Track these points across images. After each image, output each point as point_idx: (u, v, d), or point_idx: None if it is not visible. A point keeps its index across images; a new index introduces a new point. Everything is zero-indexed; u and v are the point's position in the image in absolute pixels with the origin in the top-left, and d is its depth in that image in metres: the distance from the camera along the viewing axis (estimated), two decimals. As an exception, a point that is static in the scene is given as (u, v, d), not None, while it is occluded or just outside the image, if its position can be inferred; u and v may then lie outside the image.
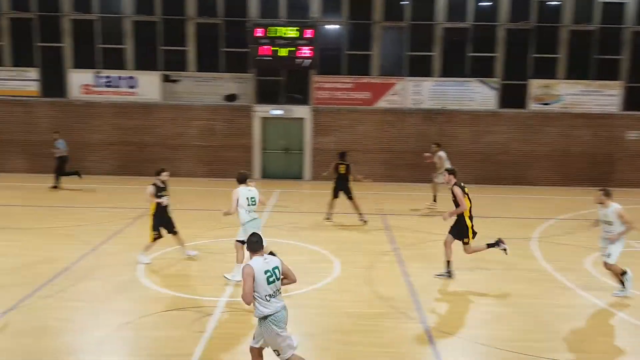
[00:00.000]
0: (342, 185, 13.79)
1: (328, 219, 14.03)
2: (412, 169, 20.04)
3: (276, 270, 5.76)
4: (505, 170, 20.27)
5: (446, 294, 9.36)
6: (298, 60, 19.14)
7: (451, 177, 9.70)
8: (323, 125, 20.14)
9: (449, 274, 9.88)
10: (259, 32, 18.98)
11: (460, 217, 9.59)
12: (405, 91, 20.01)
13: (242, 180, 9.55)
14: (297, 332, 7.61)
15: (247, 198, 9.37)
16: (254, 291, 5.58)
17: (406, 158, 20.02)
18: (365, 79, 19.99)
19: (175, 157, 20.03)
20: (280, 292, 5.84)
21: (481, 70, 20.05)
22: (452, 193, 9.58)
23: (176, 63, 19.90)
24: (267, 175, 20.29)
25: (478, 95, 20.10)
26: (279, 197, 16.79)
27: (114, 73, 19.74)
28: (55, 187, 17.23)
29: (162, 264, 10.45)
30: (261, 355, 6.03)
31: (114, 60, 19.78)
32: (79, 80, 19.74)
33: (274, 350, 5.87)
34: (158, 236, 10.31)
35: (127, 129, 19.95)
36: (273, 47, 19.00)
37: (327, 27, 20.12)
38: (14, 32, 19.63)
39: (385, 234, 13.00)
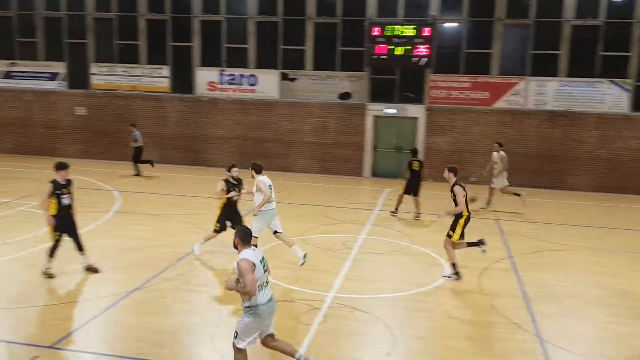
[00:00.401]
0: (413, 182, 14.07)
1: (394, 213, 14.19)
2: (531, 173, 19.09)
3: (264, 261, 5.94)
4: (636, 179, 18.64)
5: (563, 306, 8.81)
6: (414, 58, 18.92)
7: (451, 174, 9.51)
8: (437, 125, 19.74)
9: (457, 276, 9.62)
10: (375, 31, 19.00)
11: (458, 216, 9.46)
12: (526, 91, 19.07)
13: (260, 170, 9.81)
14: (403, 334, 7.55)
15: (269, 186, 9.72)
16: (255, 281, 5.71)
17: (525, 162, 19.10)
18: (483, 78, 19.30)
19: (290, 153, 20.64)
20: (268, 283, 6.01)
21: (613, 70, 18.59)
22: (452, 192, 9.42)
23: (294, 62, 20.48)
24: (377, 173, 20.28)
25: (609, 97, 18.66)
26: (387, 196, 16.70)
27: (236, 71, 20.71)
28: (137, 174, 18.55)
29: (274, 256, 10.80)
30: (274, 339, 6.21)
31: (237, 59, 20.74)
32: (205, 78, 20.94)
33: (270, 335, 6.14)
34: (220, 229, 10.53)
35: (247, 125, 20.85)
36: (389, 45, 18.93)
37: (446, 25, 19.67)
38: (149, 32, 21.23)
39: (499, 240, 12.49)
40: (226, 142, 21.05)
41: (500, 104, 19.29)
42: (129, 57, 21.33)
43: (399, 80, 20.00)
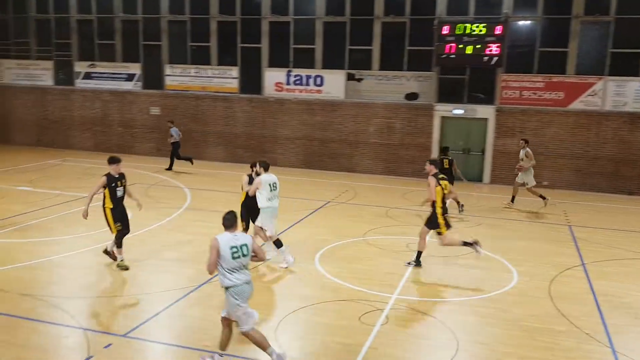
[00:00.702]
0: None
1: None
2: (608, 177, 18.19)
3: (244, 247, 6.18)
4: None
5: (638, 318, 8.35)
6: (485, 58, 18.44)
7: (432, 167, 9.98)
8: (507, 127, 19.15)
9: (417, 264, 10.11)
10: (445, 30, 18.67)
11: (433, 208, 9.86)
12: (604, 92, 18.17)
13: (267, 167, 10.03)
14: (467, 340, 7.40)
15: (270, 184, 9.85)
16: (219, 263, 6.08)
17: (603, 165, 18.22)
18: (558, 78, 18.55)
19: (355, 154, 20.63)
20: (246, 268, 6.25)
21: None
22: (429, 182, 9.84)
23: (361, 62, 20.44)
24: (444, 175, 19.89)
25: (696, 97, 17.49)
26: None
27: (303, 72, 20.92)
28: (169, 169, 19.47)
29: (340, 255, 10.85)
30: (229, 326, 6.39)
31: (304, 60, 20.95)
32: (272, 79, 21.28)
33: (233, 321, 6.28)
34: (246, 228, 10.49)
35: (312, 125, 21.02)
36: (459, 44, 18.55)
37: (519, 23, 19.05)
38: (220, 34, 21.80)
39: (572, 246, 11.98)
40: (292, 142, 21.32)
41: (576, 105, 18.47)
42: (200, 58, 21.99)
43: (468, 80, 19.56)
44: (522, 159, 15.15)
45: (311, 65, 20.87)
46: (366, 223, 13.31)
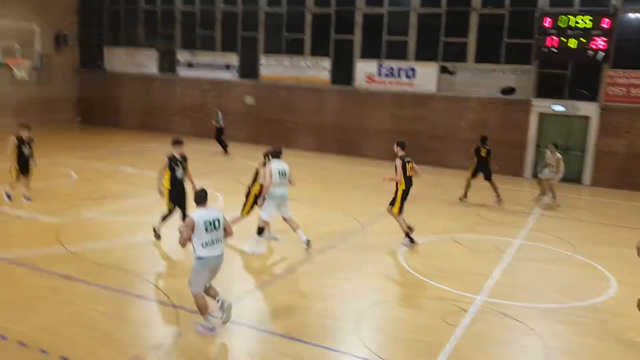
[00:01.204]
0: (482, 167, 14.59)
1: (462, 199, 14.72)
2: None
3: (216, 222, 6.80)
4: None
5: None
6: (590, 52, 17.37)
7: (399, 149, 10.69)
8: (612, 126, 17.95)
9: (412, 242, 10.59)
10: (547, 22, 17.76)
11: (396, 188, 10.56)
12: None
13: (276, 155, 10.12)
14: (557, 349, 7.06)
15: (279, 172, 9.93)
16: (194, 238, 6.68)
17: None
18: (673, 75, 17.13)
19: (445, 148, 20.19)
20: (220, 242, 6.88)
21: None
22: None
23: (455, 54, 19.93)
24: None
25: None
26: (549, 200, 15.60)
27: (395, 64, 20.71)
28: (225, 152, 20.43)
29: (426, 251, 10.70)
30: (206, 296, 7.01)
31: (396, 52, 20.72)
32: (364, 70, 21.25)
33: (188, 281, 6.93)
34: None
35: (402, 118, 20.78)
36: (562, 37, 17.59)
37: (629, 15, 17.74)
38: (314, 25, 22.04)
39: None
40: (380, 134, 21.19)
41: (692, 104, 16.99)
42: (294, 49, 22.36)
43: (570, 76, 18.52)
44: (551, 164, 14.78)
45: (403, 58, 20.61)
46: (454, 220, 13.02)
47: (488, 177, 14.69)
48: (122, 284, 8.42)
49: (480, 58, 19.53)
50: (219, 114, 20.90)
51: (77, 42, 26.55)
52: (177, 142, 10.01)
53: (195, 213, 6.82)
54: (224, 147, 20.63)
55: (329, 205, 13.87)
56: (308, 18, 21.95)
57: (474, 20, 19.45)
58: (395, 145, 10.75)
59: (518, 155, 19.20)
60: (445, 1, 19.75)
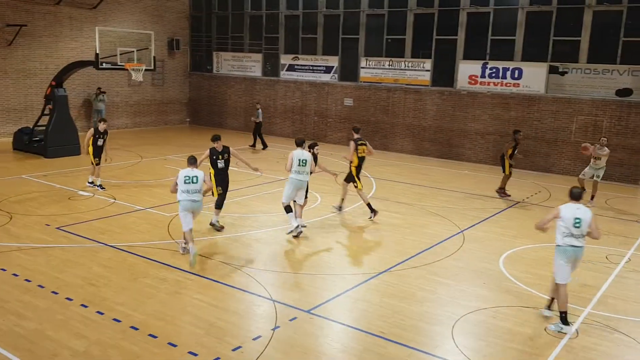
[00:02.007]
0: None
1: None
2: None
3: (194, 178, 9.28)
4: None
5: None
6: None
7: (354, 132, 12.79)
8: None
9: (339, 209, 12.68)
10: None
11: (350, 166, 12.44)
12: None
13: (299, 144, 11.00)
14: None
15: (299, 160, 10.81)
16: (177, 186, 9.29)
17: None
18: None
19: (552, 152, 19.20)
20: (195, 192, 9.25)
21: None
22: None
23: (566, 54, 18.89)
24: (659, 183, 17.55)
25: None
26: (671, 210, 14.40)
27: (500, 64, 19.99)
28: (264, 147, 21.49)
29: (527, 259, 10.29)
30: (190, 239, 9.30)
31: (502, 52, 20.00)
32: (467, 71, 20.71)
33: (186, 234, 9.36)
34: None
35: (505, 120, 20.02)
36: (689, 34, 16.16)
37: None
38: (416, 26, 21.81)
39: None
40: (482, 137, 20.57)
41: None
42: (395, 50, 22.26)
43: (698, 75, 16.94)
44: (599, 158, 14.47)
45: (509, 58, 19.85)
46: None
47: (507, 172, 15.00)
48: (225, 276, 8.85)
49: (593, 58, 18.37)
50: (259, 110, 21.91)
51: (188, 47, 28.15)
52: (215, 138, 10.94)
53: (183, 170, 9.36)
54: (263, 142, 21.71)
55: (427, 208, 13.68)
56: (410, 19, 21.76)
57: (587, 17, 18.34)
58: (353, 131, 12.87)
59: (635, 162, 17.85)
60: (557, -2, 18.81)
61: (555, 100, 19.04)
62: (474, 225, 12.33)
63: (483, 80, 20.34)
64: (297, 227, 10.83)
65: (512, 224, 12.63)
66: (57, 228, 10.81)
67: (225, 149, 10.99)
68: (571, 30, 18.68)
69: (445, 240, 11.20)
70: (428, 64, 21.49)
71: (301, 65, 24.71)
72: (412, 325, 7.44)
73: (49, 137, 17.77)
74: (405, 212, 13.26)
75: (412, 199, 14.60)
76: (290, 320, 7.41)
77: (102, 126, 13.76)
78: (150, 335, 6.84)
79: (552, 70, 19.03)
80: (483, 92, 20.40)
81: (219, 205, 11.10)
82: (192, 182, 9.19)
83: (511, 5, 19.72)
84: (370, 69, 22.84)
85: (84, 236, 10.41)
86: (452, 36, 20.90)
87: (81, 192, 13.51)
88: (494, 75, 20.09)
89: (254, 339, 6.89)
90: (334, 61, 23.78)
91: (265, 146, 21.74)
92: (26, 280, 8.34)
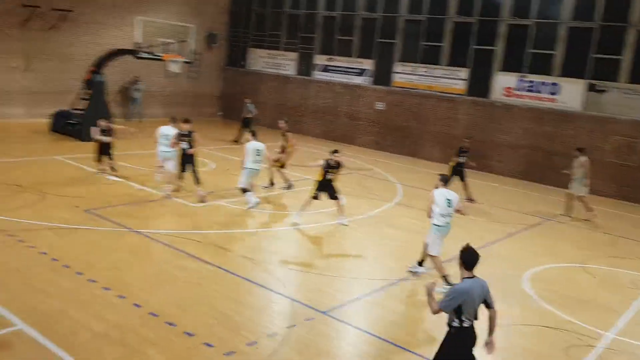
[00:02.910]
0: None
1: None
2: None
3: (449, 201, 9.01)
4: None
5: None
6: None
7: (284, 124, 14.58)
8: None
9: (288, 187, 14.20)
10: None
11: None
12: None
13: (254, 135, 12.60)
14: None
15: (256, 150, 12.07)
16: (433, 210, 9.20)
17: None
18: None
19: (584, 171, 18.82)
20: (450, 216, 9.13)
21: None
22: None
23: (606, 72, 18.50)
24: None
25: None
26: None
27: (537, 78, 19.70)
28: (236, 141, 20.52)
29: (552, 278, 10.11)
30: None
31: (540, 66, 19.69)
32: (503, 83, 20.45)
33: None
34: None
35: (539, 135, 19.71)
36: None
37: None
38: (454, 34, 21.62)
39: None
40: (513, 150, 20.28)
41: None
42: (431, 58, 22.11)
43: None
44: (573, 168, 14.50)
45: (547, 72, 19.54)
46: (588, 249, 12.13)
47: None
48: (245, 270, 8.92)
49: (635, 77, 17.96)
50: (250, 104, 21.82)
51: (226, 42, 28.42)
52: (335, 151, 11.75)
53: (437, 191, 9.08)
54: (250, 131, 20.34)
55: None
56: (448, 27, 21.59)
57: (631, 36, 17.94)
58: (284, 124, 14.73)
59: (670, 186, 17.39)
60: (600, 15, 18.44)
61: (592, 118, 18.67)
62: (498, 240, 12.17)
63: (519, 93, 20.06)
64: (256, 202, 12.19)
65: (538, 241, 12.43)
66: (86, 210, 11.03)
67: (338, 164, 11.71)
68: (613, 48, 18.29)
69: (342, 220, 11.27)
70: (464, 73, 21.29)
71: (335, 66, 24.73)
72: (429, 336, 7.38)
73: (85, 121, 18.15)
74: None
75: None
76: (307, 320, 7.42)
77: (185, 126, 12.52)
78: (167, 322, 6.93)
79: (590, 87, 18.67)
80: (518, 105, 20.12)
81: (304, 207, 11.80)
82: (448, 206, 9.03)
83: (553, 19, 19.41)
84: (405, 75, 22.73)
85: (111, 219, 10.60)
86: (491, 47, 20.67)
87: (110, 177, 13.76)
88: (530, 88, 19.80)
89: (269, 335, 6.93)
90: (368, 64, 23.73)
91: (237, 140, 20.75)
92: (53, 259, 8.53)
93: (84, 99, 19.05)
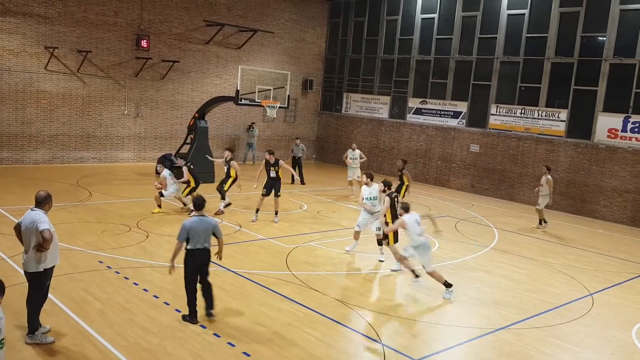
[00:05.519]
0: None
1: None
2: None
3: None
4: None
5: None
6: None
7: (271, 156, 14.66)
8: None
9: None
10: None
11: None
12: None
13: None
14: None
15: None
16: None
17: None
18: None
19: None
20: None
21: None
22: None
23: None
24: None
25: None
26: None
27: (645, 118, 18.56)
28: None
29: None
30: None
31: (648, 105, 18.59)
32: (606, 124, 19.43)
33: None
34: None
35: (649, 179, 18.42)
36: None
37: None
38: (553, 75, 20.94)
39: None
40: (619, 194, 19.04)
41: None
42: (528, 99, 21.52)
43: None
44: (542, 185, 16.58)
45: (656, 112, 18.36)
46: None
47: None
48: (338, 314, 8.94)
49: None
50: (300, 145, 22.11)
51: (321, 87, 29.33)
52: (387, 185, 11.62)
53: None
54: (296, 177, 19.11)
55: (553, 266, 12.88)
56: (547, 67, 20.99)
57: None
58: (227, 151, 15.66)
59: None
60: None
61: None
62: (605, 288, 11.39)
63: (624, 134, 18.96)
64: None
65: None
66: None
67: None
68: None
69: (571, 302, 10.45)
70: (564, 114, 20.49)
71: (429, 109, 24.69)
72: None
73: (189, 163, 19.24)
74: (529, 267, 12.58)
75: (537, 254, 13.83)
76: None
77: (270, 157, 14.67)
78: (261, 362, 7.08)
79: None
80: (623, 147, 18.99)
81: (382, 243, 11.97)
82: (418, 225, 10.06)
83: (662, 56, 18.35)
84: (501, 116, 22.25)
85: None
86: (592, 87, 19.81)
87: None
88: (636, 130, 18.67)
89: (359, 380, 6.87)
90: (462, 106, 23.49)
91: (293, 180, 20.13)
92: (154, 296, 9.03)
93: (187, 143, 20.29)
